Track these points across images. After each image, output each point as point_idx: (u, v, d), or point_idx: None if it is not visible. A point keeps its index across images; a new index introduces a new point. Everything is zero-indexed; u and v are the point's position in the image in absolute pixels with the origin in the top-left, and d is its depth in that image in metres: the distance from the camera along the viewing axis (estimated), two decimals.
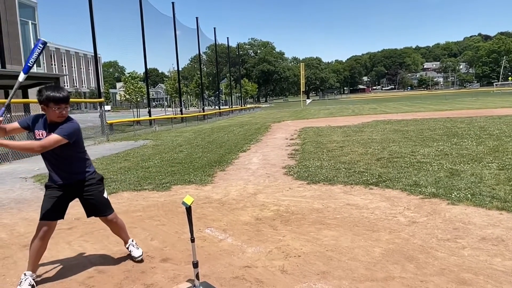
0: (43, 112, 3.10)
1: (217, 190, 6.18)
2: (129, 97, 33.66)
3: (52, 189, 3.19)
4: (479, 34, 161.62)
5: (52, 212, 3.12)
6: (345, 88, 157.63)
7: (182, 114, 30.71)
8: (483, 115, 18.31)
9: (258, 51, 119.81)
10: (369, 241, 3.71)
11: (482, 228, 3.87)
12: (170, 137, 16.05)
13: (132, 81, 32.65)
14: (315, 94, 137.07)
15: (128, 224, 4.40)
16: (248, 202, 5.37)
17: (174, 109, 40.83)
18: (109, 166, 8.93)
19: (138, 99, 34.13)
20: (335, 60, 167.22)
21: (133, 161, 9.58)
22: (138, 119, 25.59)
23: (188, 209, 2.92)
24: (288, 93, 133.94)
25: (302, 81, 57.84)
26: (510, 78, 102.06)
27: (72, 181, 3.19)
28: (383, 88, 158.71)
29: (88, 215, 3.40)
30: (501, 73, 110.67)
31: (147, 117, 24.73)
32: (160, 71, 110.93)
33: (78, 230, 4.49)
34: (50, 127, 3.05)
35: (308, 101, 65.03)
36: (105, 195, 3.40)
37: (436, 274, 2.96)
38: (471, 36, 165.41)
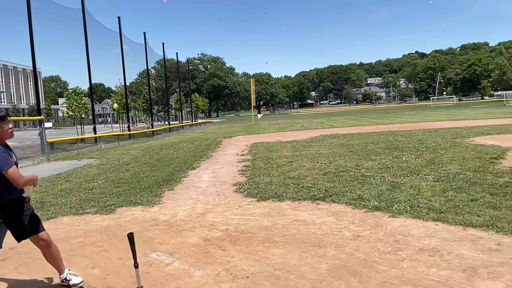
0: None
1: (165, 211, 6.03)
2: (72, 113, 32.20)
3: None
4: (416, 52, 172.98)
5: None
6: (294, 102, 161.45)
7: (129, 130, 29.83)
8: (421, 128, 19.49)
9: (209, 66, 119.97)
10: (316, 258, 3.77)
11: (420, 239, 4.08)
12: (116, 155, 15.50)
13: (76, 97, 31.30)
14: (266, 109, 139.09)
15: (68, 252, 4.17)
16: (196, 223, 5.28)
17: (121, 125, 39.54)
18: (49, 189, 8.41)
19: (83, 116, 32.74)
20: (285, 76, 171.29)
21: (76, 182, 9.12)
22: (82, 136, 24.50)
23: (131, 237, 2.82)
24: (240, 107, 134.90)
25: (253, 96, 58.52)
26: (444, 93, 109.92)
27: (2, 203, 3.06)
28: (330, 103, 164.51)
29: (18, 238, 3.23)
30: (436, 88, 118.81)
31: (92, 135, 23.75)
32: (106, 86, 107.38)
33: (12, 262, 4.17)
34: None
35: (259, 115, 65.74)
36: (34, 212, 3.31)
37: (378, 287, 3.06)
38: (409, 54, 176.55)
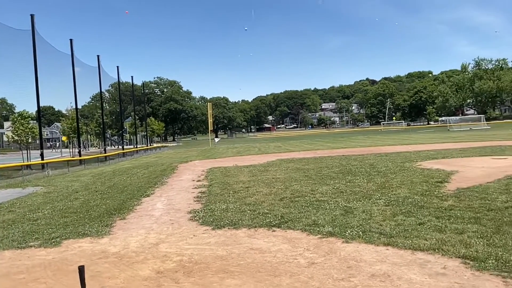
0: None
1: (115, 242, 5.77)
2: (18, 138, 30.42)
3: None
4: (367, 79, 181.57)
5: None
6: (252, 126, 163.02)
7: (80, 155, 28.63)
8: (372, 152, 20.25)
9: (165, 90, 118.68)
10: (271, 287, 3.74)
11: (371, 264, 4.17)
12: (65, 183, 14.76)
13: (22, 121, 29.69)
14: (223, 133, 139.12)
15: None
16: (149, 254, 5.09)
17: (71, 150, 37.88)
18: None
19: (29, 140, 31.01)
20: (242, 100, 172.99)
21: (19, 213, 8.55)
22: (28, 162, 23.16)
23: (81, 268, 2.66)
24: (197, 131, 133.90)
25: (210, 120, 58.45)
26: (394, 118, 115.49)
27: None
28: (287, 127, 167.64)
29: None
30: (386, 114, 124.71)
31: (39, 161, 22.52)
32: (56, 109, 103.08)
33: None
34: None
35: (216, 139, 65.56)
36: None
37: None
38: (360, 80, 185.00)
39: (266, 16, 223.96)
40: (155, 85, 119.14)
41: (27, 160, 25.96)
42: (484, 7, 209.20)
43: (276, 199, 8.20)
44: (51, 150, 51.67)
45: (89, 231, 6.43)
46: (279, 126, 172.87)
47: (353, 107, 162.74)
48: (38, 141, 28.69)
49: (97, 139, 56.38)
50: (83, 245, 5.64)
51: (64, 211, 8.39)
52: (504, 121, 79.83)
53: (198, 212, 7.45)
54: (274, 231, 5.80)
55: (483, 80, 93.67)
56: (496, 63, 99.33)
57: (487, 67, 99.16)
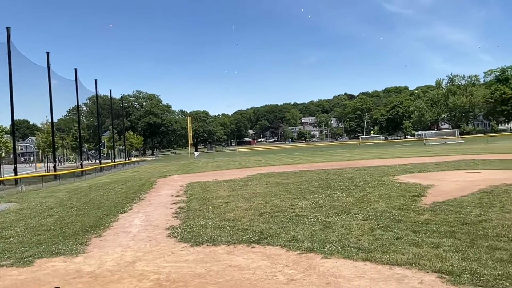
0: None
1: (90, 260, 5.61)
2: None
3: None
4: (345, 94, 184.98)
5: None
6: (232, 140, 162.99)
7: (55, 170, 27.91)
8: (351, 166, 20.50)
9: (144, 103, 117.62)
10: None
11: (350, 280, 4.18)
12: (39, 199, 14.33)
13: None
14: (203, 146, 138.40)
15: None
16: (125, 273, 4.97)
17: (46, 165, 36.93)
18: None
19: (3, 155, 30.14)
20: (222, 114, 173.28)
21: None
22: (1, 178, 22.43)
23: None
24: (176, 145, 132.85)
25: (190, 134, 58.10)
26: (372, 132, 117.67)
27: None
28: (267, 141, 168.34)
29: None
30: (364, 128, 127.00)
31: (12, 176, 21.83)
32: (31, 123, 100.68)
33: None
34: None
35: (196, 153, 65.09)
36: None
37: None
38: (339, 95, 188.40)
39: (246, 31, 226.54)
40: (134, 98, 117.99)
41: (0, 175, 25.14)
42: (456, 26, 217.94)
43: (255, 215, 8.17)
44: (25, 164, 50.21)
45: (63, 249, 6.23)
46: (259, 140, 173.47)
47: (332, 121, 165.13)
48: (12, 156, 27.86)
49: (74, 153, 55.21)
50: (57, 264, 5.46)
51: (38, 228, 8.13)
52: (477, 135, 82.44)
53: (176, 229, 7.34)
54: (253, 247, 5.76)
55: (456, 96, 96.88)
56: (469, 79, 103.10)
57: (460, 83, 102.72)
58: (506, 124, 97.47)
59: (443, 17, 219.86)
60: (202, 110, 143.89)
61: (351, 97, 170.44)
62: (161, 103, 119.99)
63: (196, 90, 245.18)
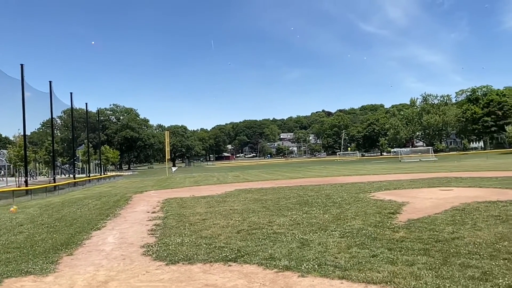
0: None
1: (61, 280, 5.42)
2: None
3: None
4: (323, 111, 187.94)
5: None
6: (211, 155, 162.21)
7: (27, 185, 27.00)
8: (329, 183, 20.67)
9: (121, 117, 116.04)
10: None
11: None
12: (8, 215, 13.79)
13: None
14: (181, 161, 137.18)
15: None
16: None
17: (18, 179, 35.71)
18: None
19: None
20: (201, 129, 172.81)
21: None
22: None
23: None
24: (154, 160, 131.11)
25: (167, 148, 57.51)
26: (349, 149, 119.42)
27: None
28: (246, 156, 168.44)
29: None
30: (342, 144, 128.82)
31: None
32: (3, 136, 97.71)
33: None
34: None
35: (174, 169, 64.33)
36: None
37: None
38: (317, 112, 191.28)
39: (226, 47, 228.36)
40: (111, 112, 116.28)
41: None
42: (429, 47, 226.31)
43: (233, 232, 8.10)
44: None
45: (33, 268, 6.00)
46: (238, 155, 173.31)
47: (311, 137, 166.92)
48: None
49: (47, 168, 53.66)
50: (26, 284, 5.25)
51: (7, 246, 7.81)
52: (450, 153, 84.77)
53: (151, 246, 7.18)
54: (230, 265, 5.70)
55: (430, 114, 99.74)
56: (441, 99, 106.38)
57: (433, 102, 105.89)
58: (477, 142, 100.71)
59: (416, 39, 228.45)
60: (180, 125, 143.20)
61: (329, 114, 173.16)
62: (139, 117, 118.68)
63: (174, 105, 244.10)
